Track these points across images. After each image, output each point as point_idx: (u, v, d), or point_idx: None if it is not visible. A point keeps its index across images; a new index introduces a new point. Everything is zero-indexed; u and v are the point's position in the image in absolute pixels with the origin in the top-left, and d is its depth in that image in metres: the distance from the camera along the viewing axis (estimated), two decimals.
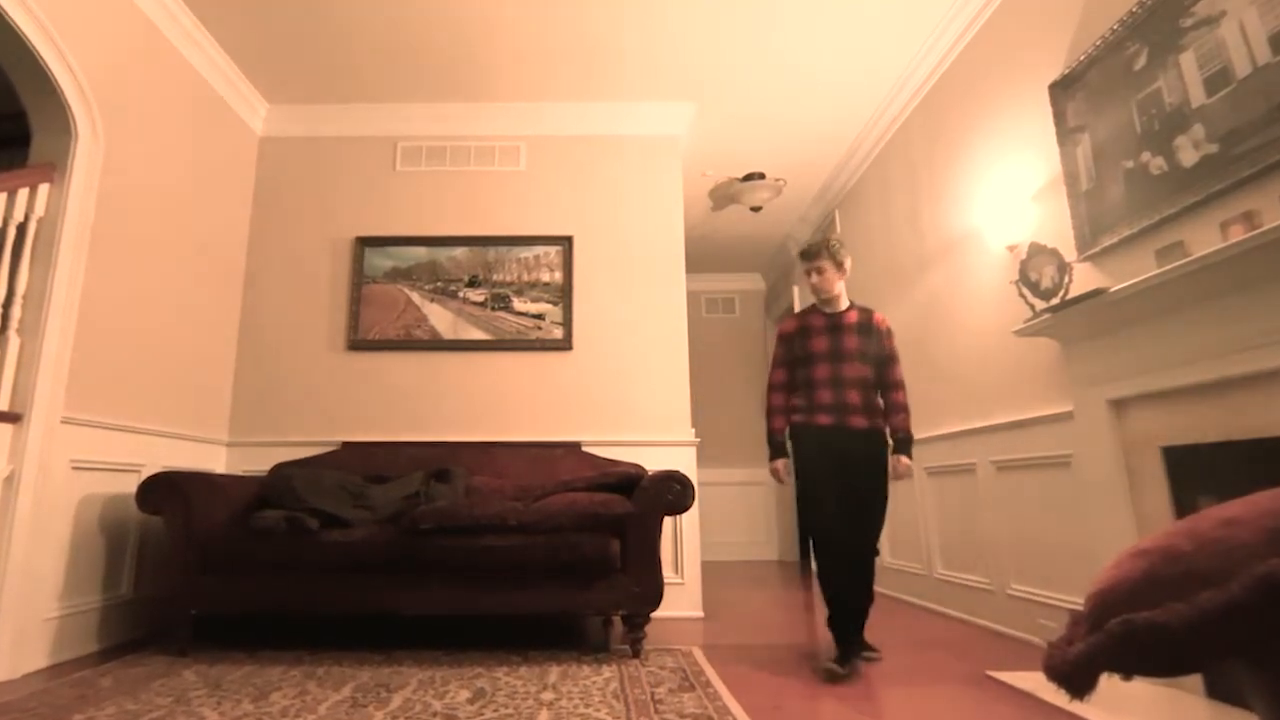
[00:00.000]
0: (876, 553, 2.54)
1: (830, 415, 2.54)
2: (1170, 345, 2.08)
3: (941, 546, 3.52)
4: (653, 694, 2.09)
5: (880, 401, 2.61)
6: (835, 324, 2.62)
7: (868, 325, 2.62)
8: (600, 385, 3.68)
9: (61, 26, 2.56)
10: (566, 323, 3.74)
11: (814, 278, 2.65)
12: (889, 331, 2.66)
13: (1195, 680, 2.02)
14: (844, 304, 2.66)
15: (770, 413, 2.70)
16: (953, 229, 3.44)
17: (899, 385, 2.63)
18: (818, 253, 2.64)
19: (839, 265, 2.63)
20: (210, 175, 3.51)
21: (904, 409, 2.61)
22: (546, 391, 3.67)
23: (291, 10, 3.22)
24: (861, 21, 3.32)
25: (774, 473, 2.67)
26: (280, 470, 3.02)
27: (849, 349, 2.57)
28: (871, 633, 2.91)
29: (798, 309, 5.63)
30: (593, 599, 2.57)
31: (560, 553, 2.54)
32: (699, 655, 2.59)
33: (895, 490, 4.12)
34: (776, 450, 2.66)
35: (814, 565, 2.69)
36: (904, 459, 2.56)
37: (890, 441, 2.59)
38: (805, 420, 2.57)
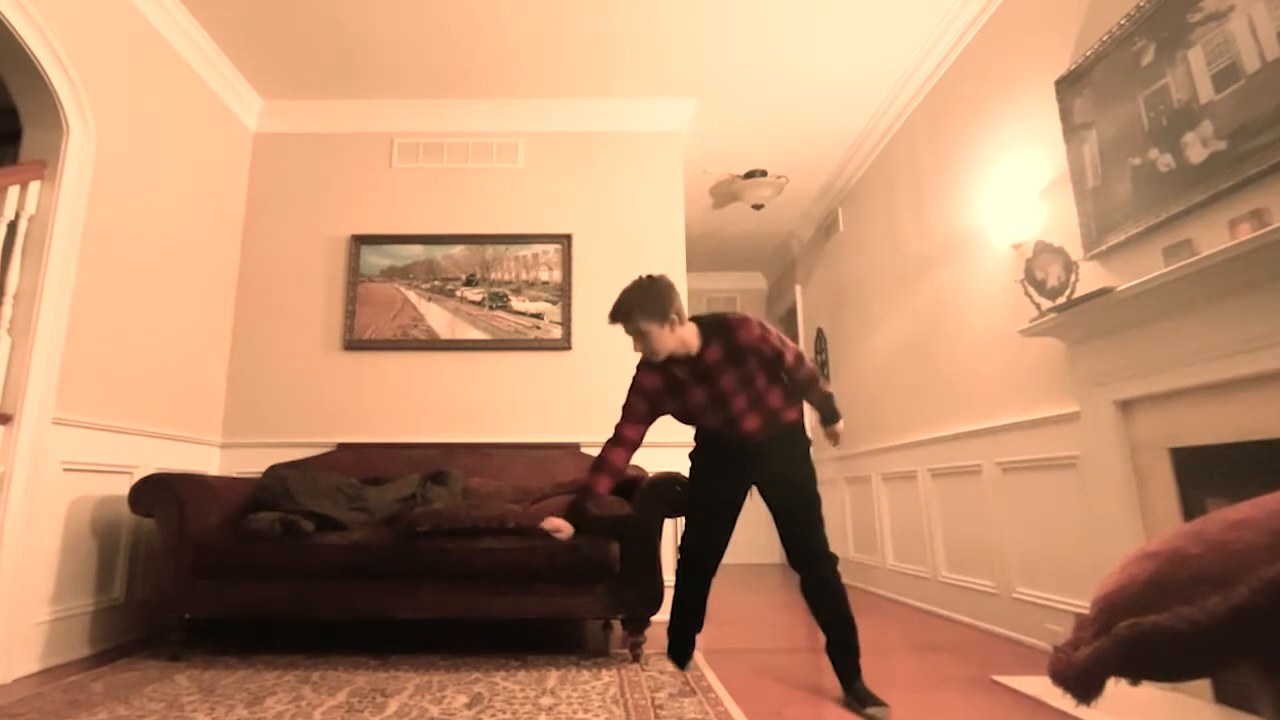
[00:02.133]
0: (834, 560, 2.19)
1: (721, 426, 2.27)
2: (1178, 345, 2.06)
3: (946, 549, 3.50)
4: (653, 699, 2.06)
5: (784, 398, 2.24)
6: (701, 370, 2.17)
7: (735, 350, 2.13)
8: (600, 386, 3.65)
9: (52, 20, 2.53)
10: (565, 322, 3.71)
11: (639, 345, 2.16)
12: (761, 337, 2.13)
13: (1203, 685, 2.01)
14: (697, 342, 2.16)
15: (595, 468, 2.27)
16: (957, 227, 3.42)
17: (797, 365, 2.21)
18: (630, 315, 2.10)
19: (662, 320, 2.09)
20: (204, 172, 3.48)
21: (812, 379, 2.24)
22: (545, 392, 3.65)
23: (286, 4, 3.19)
24: (865, 16, 3.30)
25: (555, 530, 2.29)
26: (275, 472, 2.99)
27: (727, 389, 2.17)
28: (875, 637, 2.87)
29: (800, 310, 5.63)
30: (592, 603, 2.55)
31: (559, 556, 2.51)
32: (699, 660, 2.57)
33: (895, 492, 4.10)
34: (572, 513, 2.31)
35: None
36: (836, 425, 2.31)
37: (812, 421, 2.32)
38: (697, 432, 2.37)
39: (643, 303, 2.10)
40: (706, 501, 2.32)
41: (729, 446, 2.28)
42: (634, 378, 2.29)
